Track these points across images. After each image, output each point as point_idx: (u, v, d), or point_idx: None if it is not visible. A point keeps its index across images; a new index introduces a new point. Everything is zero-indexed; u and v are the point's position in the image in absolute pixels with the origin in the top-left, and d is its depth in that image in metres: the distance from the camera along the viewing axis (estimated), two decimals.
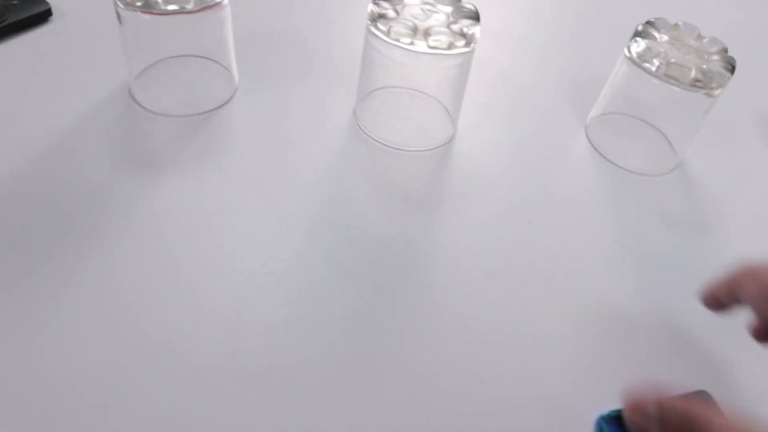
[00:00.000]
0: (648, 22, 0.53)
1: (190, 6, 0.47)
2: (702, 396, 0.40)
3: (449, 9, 0.49)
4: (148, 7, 0.46)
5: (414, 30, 0.46)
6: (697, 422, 0.30)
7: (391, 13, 0.48)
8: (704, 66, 0.50)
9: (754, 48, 0.68)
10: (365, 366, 0.39)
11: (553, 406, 0.39)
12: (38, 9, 0.59)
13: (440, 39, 0.46)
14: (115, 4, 0.48)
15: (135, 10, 0.47)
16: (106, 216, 0.44)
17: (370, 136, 0.54)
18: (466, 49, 0.48)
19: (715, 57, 0.51)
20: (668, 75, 0.49)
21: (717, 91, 0.50)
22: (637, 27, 0.53)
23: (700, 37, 0.53)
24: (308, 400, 0.37)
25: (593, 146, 0.58)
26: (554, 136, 0.59)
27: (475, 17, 0.49)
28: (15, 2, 0.59)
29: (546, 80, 0.65)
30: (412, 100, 0.58)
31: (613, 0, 0.81)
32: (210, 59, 0.56)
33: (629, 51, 0.52)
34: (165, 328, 0.39)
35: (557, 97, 0.63)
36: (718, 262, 0.49)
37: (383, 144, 0.54)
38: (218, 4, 0.48)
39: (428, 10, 0.49)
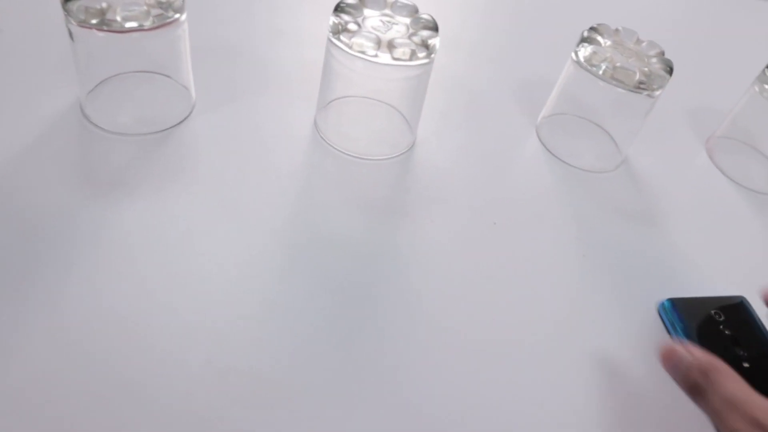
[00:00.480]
0: (592, 28, 0.56)
1: (147, 23, 0.46)
2: (738, 300, 0.48)
3: (408, 20, 0.51)
4: (104, 25, 0.45)
5: (378, 42, 0.47)
6: (715, 373, 0.34)
7: (353, 26, 0.48)
8: (646, 69, 0.53)
9: (683, 49, 0.73)
10: (346, 373, 0.40)
11: (531, 398, 0.41)
12: None
13: (404, 50, 0.47)
14: (67, 21, 0.46)
15: (90, 28, 0.45)
16: (66, 243, 0.43)
17: (331, 146, 0.55)
18: (427, 60, 0.49)
19: (654, 60, 0.55)
20: (614, 78, 0.53)
21: (657, 92, 0.54)
22: (582, 33, 0.56)
23: (639, 41, 0.57)
24: (292, 413, 0.37)
25: (544, 146, 0.61)
26: (509, 138, 0.61)
27: (434, 28, 0.50)
28: None
29: (498, 85, 0.67)
30: (371, 109, 0.59)
31: (555, 8, 0.85)
32: (165, 75, 0.55)
33: (577, 55, 0.55)
34: (134, 355, 0.38)
35: (509, 100, 0.66)
36: (665, 250, 0.53)
37: (345, 153, 0.54)
38: (176, 20, 0.48)
39: (388, 21, 0.50)
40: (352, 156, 0.54)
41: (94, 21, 0.45)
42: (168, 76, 0.55)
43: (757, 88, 0.60)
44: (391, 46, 0.47)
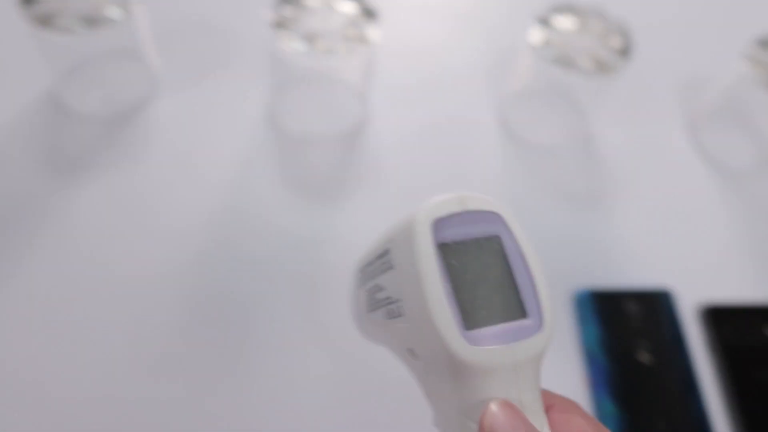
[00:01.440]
0: (554, 8, 0.55)
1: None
2: (662, 292, 0.48)
3: (348, 8, 0.51)
4: (60, 30, 0.48)
5: (312, 36, 0.48)
6: None
7: (290, 18, 0.49)
8: (600, 51, 0.51)
9: (660, 19, 0.68)
10: (271, 354, 0.44)
11: None
12: None
13: (337, 43, 0.48)
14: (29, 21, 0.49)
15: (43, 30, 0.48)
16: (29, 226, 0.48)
17: (284, 129, 0.56)
18: (367, 49, 0.50)
19: (616, 39, 0.52)
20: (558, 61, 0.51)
21: (610, 75, 0.52)
22: (541, 13, 0.54)
23: (603, 19, 0.54)
24: (204, 394, 0.42)
25: (507, 124, 0.60)
26: (465, 113, 0.60)
27: (371, 14, 0.50)
28: None
29: (461, 57, 0.65)
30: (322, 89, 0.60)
31: None
32: (127, 56, 0.58)
33: (529, 37, 0.53)
34: (78, 324, 0.44)
35: (471, 73, 0.64)
36: (607, 235, 0.53)
37: (298, 135, 0.56)
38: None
39: (328, 11, 0.50)
40: (303, 137, 0.56)
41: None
42: (130, 57, 0.58)
43: (747, 61, 0.55)
44: (322, 38, 0.48)
